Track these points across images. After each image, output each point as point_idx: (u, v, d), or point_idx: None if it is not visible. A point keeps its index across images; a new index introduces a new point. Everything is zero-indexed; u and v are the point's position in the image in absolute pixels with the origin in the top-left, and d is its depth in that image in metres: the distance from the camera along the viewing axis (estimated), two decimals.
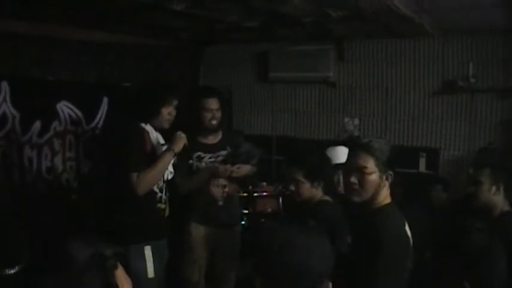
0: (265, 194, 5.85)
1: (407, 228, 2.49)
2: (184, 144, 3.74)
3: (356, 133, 6.38)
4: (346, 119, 6.51)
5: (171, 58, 6.46)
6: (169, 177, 3.82)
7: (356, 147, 2.53)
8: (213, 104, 4.25)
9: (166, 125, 3.73)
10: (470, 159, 5.39)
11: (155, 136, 3.73)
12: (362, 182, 2.47)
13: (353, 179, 2.48)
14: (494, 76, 5.62)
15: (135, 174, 3.46)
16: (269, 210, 5.76)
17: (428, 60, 5.98)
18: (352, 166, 2.50)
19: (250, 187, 5.74)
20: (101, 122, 5.52)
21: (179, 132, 3.74)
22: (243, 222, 5.29)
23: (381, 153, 2.48)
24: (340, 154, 3.90)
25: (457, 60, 5.80)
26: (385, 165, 2.48)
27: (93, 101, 5.50)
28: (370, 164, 2.46)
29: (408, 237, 2.49)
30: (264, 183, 5.99)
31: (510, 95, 5.54)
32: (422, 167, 6.23)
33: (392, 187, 2.58)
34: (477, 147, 5.72)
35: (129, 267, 3.45)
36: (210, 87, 4.84)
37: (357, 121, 6.46)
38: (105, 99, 5.59)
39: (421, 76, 6.03)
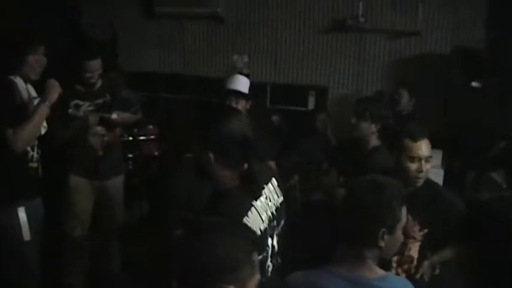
0: (152, 137, 5.66)
1: None
2: (60, 93, 3.44)
3: (245, 71, 6.23)
4: (236, 56, 6.35)
5: None
6: (43, 132, 3.53)
7: None
8: (95, 65, 4.00)
9: (34, 76, 3.40)
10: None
11: (25, 88, 3.41)
12: None
13: None
14: (383, 17, 5.61)
15: (10, 131, 3.17)
16: (155, 153, 5.59)
17: None
18: None
19: (136, 130, 5.50)
20: None
21: (52, 80, 3.41)
22: (129, 167, 5.15)
23: None
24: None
25: None
26: None
27: None
28: None
29: None
30: (151, 126, 5.74)
31: (398, 36, 5.57)
32: (311, 105, 6.24)
33: None
34: (365, 86, 5.76)
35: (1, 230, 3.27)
36: (92, 44, 4.54)
37: (246, 58, 6.32)
38: None
39: (311, 13, 5.94)
